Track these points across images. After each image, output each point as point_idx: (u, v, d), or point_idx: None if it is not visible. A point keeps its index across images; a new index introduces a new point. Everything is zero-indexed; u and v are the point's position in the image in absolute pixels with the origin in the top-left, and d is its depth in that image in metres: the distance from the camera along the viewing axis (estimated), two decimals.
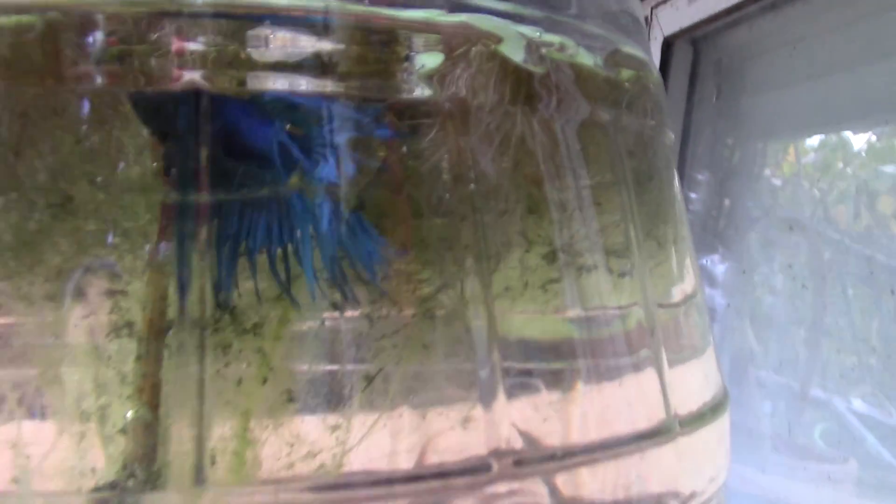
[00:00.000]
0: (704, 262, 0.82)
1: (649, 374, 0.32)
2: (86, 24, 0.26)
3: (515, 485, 0.29)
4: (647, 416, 0.32)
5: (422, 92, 0.28)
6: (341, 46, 0.28)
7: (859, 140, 0.65)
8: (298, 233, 0.29)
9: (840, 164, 0.67)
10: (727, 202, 0.79)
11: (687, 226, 0.39)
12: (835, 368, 0.65)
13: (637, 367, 0.33)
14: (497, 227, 0.30)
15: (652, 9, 0.82)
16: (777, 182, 0.73)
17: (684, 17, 0.76)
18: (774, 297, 0.71)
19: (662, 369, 0.34)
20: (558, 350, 0.33)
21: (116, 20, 0.27)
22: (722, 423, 0.35)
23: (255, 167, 0.29)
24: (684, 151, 0.83)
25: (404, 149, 0.29)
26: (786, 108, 0.71)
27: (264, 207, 0.29)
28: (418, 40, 0.28)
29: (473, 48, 0.28)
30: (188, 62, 0.27)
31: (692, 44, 0.80)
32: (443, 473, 0.29)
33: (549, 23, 0.30)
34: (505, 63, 0.28)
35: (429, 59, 0.28)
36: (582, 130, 0.30)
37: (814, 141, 0.70)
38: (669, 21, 0.79)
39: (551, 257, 0.32)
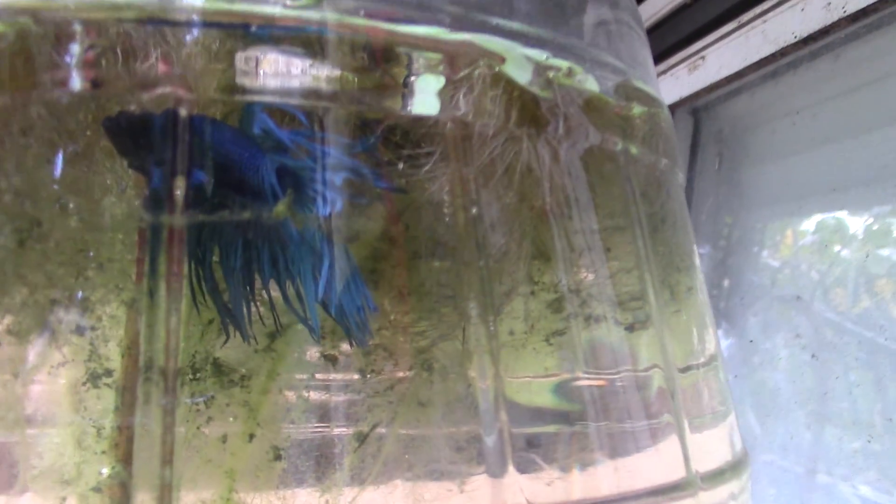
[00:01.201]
0: None
1: (670, 439, 0.29)
2: (62, 35, 0.25)
3: None
4: (666, 473, 0.28)
5: (423, 116, 0.26)
6: (336, 68, 0.26)
7: (856, 223, 0.65)
8: (297, 276, 0.26)
9: (837, 247, 0.66)
10: (729, 278, 0.77)
11: (702, 278, 0.36)
12: (840, 453, 0.62)
13: (656, 432, 0.30)
14: (501, 269, 0.28)
15: None
16: (776, 263, 0.72)
17: (684, 87, 0.76)
18: (777, 378, 0.69)
19: (684, 433, 0.31)
20: (569, 413, 0.30)
21: (96, 30, 0.25)
22: (743, 481, 0.32)
23: (247, 200, 0.26)
24: None
25: (404, 184, 0.27)
26: (790, 177, 0.70)
27: (257, 244, 0.26)
28: (420, 59, 0.26)
29: (477, 69, 0.26)
30: (174, 82, 0.25)
31: (693, 114, 0.79)
32: None
33: (558, 46, 0.28)
34: (510, 86, 0.27)
35: (431, 80, 0.27)
36: (591, 161, 0.28)
37: (811, 224, 0.69)
38: (669, 91, 0.79)
39: (557, 306, 0.30)
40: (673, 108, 0.79)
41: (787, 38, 0.63)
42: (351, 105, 0.26)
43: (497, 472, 0.26)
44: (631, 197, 0.29)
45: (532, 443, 0.28)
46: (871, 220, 0.63)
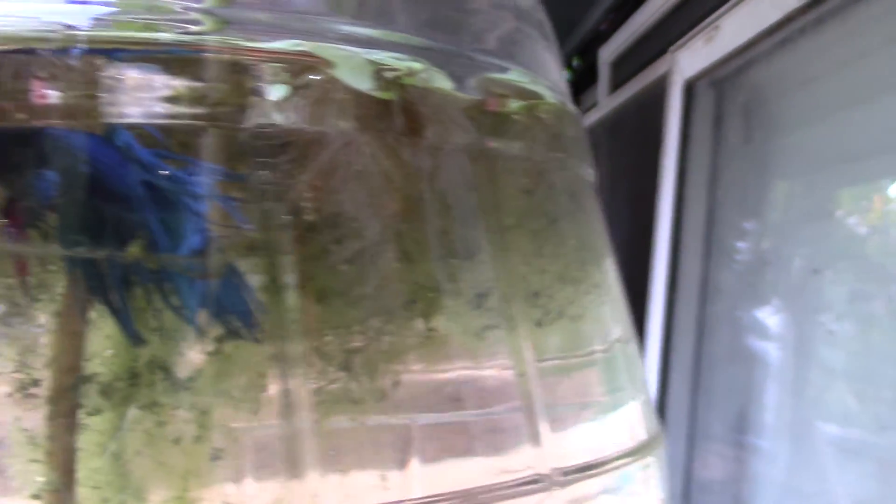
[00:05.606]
0: (757, 313, 0.77)
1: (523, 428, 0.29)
2: None
3: None
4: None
5: (273, 124, 0.28)
6: (194, 83, 0.28)
7: None
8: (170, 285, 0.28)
9: None
10: (783, 251, 0.73)
11: (611, 273, 0.36)
12: None
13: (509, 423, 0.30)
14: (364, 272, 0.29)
15: (672, 54, 0.79)
16: (862, 230, 0.67)
17: (701, 59, 0.73)
18: (848, 353, 0.64)
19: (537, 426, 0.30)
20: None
21: None
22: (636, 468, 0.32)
23: (115, 208, 0.28)
24: (713, 196, 0.79)
25: (266, 190, 0.28)
26: (808, 146, 0.67)
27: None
28: (267, 71, 0.28)
29: (313, 76, 0.27)
30: (45, 107, 0.27)
31: (714, 86, 0.76)
32: None
33: (409, 48, 0.29)
34: (350, 90, 0.28)
35: (277, 90, 0.28)
36: (448, 158, 0.29)
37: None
38: (689, 63, 0.76)
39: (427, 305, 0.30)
40: (693, 80, 0.77)
41: (793, 3, 0.59)
42: (208, 119, 0.28)
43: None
44: (491, 193, 0.30)
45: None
46: None
